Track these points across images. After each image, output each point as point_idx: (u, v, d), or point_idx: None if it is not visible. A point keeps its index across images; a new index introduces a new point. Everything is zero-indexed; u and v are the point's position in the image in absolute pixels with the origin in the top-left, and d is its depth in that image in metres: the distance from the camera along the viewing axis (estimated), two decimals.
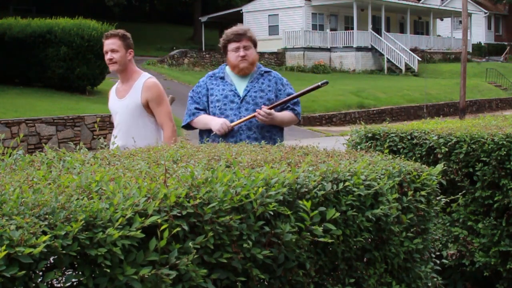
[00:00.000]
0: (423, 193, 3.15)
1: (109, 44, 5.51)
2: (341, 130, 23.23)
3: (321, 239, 2.56)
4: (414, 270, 3.18)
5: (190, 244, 2.16)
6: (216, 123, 5.15)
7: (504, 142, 4.87)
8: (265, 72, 5.44)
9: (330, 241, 2.59)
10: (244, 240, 2.32)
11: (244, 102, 5.25)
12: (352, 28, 45.95)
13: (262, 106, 5.18)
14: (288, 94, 5.39)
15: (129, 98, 5.48)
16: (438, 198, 3.38)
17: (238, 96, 5.27)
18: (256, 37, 5.47)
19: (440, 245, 4.98)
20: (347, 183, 2.72)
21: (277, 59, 44.03)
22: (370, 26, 46.28)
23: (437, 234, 3.45)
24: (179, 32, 58.38)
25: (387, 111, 29.69)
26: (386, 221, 2.90)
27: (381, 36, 46.01)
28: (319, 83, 5.35)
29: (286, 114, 5.39)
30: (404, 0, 50.26)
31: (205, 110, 5.31)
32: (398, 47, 45.05)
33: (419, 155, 5.11)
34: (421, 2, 60.05)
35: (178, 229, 2.13)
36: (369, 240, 2.89)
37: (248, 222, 2.34)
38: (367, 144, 5.12)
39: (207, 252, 2.23)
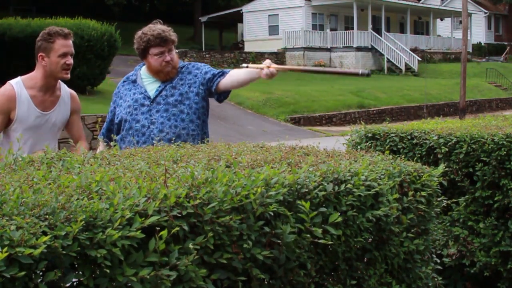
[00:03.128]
0: (423, 193, 3.15)
1: (69, 45, 4.71)
2: (341, 130, 23.24)
3: (321, 241, 2.55)
4: (415, 271, 3.18)
5: (190, 244, 2.15)
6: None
7: (504, 142, 4.87)
8: (181, 68, 5.01)
9: (330, 243, 2.59)
10: (244, 240, 2.32)
11: (154, 103, 4.88)
12: (352, 28, 45.98)
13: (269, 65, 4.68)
14: (206, 73, 4.98)
15: (57, 110, 4.80)
16: (439, 199, 3.38)
17: (149, 98, 4.90)
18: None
19: (441, 245, 4.98)
20: (347, 184, 2.72)
21: (277, 59, 44.02)
22: (370, 26, 46.30)
23: (438, 234, 3.44)
24: (179, 32, 57.84)
25: (387, 111, 29.72)
26: (386, 221, 2.89)
27: (381, 36, 46.04)
28: (360, 72, 4.68)
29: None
30: (404, 0, 50.29)
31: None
32: (398, 47, 45.08)
33: (419, 155, 5.11)
34: (421, 2, 60.08)
35: (178, 229, 2.13)
36: (370, 240, 2.89)
37: (248, 222, 2.34)
38: (367, 144, 5.12)
39: (207, 252, 2.22)
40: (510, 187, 4.89)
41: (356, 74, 4.71)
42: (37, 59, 4.63)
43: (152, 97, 4.87)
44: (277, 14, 47.70)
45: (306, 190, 2.58)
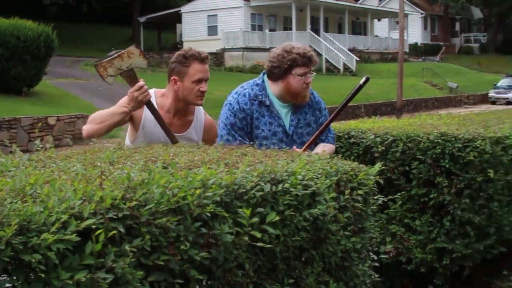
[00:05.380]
0: (360, 192, 3.19)
1: (206, 71, 4.26)
2: None
3: (259, 244, 2.56)
4: (352, 268, 3.21)
5: (127, 246, 2.14)
6: None
7: (439, 141, 4.96)
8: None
9: (267, 246, 2.60)
10: (182, 242, 2.31)
11: (291, 139, 4.39)
12: (291, 29, 46.25)
13: (294, 147, 4.25)
14: (323, 123, 4.54)
15: (185, 137, 4.29)
16: (375, 197, 3.42)
17: (287, 133, 4.39)
18: None
19: (377, 243, 5.04)
20: (284, 183, 2.73)
21: (216, 59, 44.03)
22: (308, 26, 46.67)
23: (374, 232, 3.48)
24: (118, 33, 57.83)
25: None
26: (323, 220, 2.92)
27: (319, 36, 46.44)
28: (361, 82, 4.53)
29: (324, 148, 4.42)
30: (342, 1, 50.81)
31: None
32: (337, 47, 45.53)
33: (356, 154, 5.17)
34: (359, 2, 60.82)
35: (115, 232, 2.11)
36: (307, 239, 2.91)
37: (185, 223, 2.33)
38: None
39: (143, 254, 2.21)
40: (445, 185, 4.97)
41: (361, 87, 4.56)
42: (169, 80, 4.27)
43: (289, 133, 4.40)
44: (216, 15, 47.72)
45: (244, 190, 2.58)
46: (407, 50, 51.99)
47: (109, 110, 4.10)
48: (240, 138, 4.27)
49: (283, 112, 4.41)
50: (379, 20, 58.92)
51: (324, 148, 4.42)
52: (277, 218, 2.62)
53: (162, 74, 38.06)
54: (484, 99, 43.33)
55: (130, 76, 4.05)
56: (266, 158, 3.15)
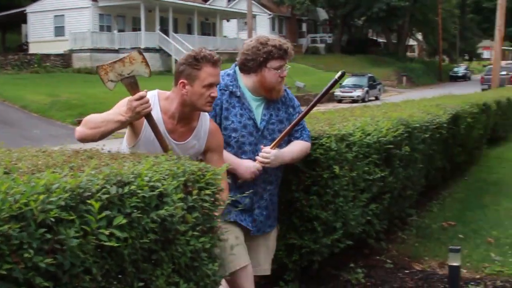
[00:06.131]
0: (208, 192, 3.21)
1: (217, 74, 3.87)
2: None
3: (107, 243, 2.53)
4: (202, 268, 3.22)
5: None
6: (244, 168, 4.18)
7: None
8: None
9: (116, 245, 2.57)
10: (25, 249, 2.24)
11: (261, 135, 4.29)
12: (140, 29, 45.91)
13: (261, 146, 4.23)
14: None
15: (187, 145, 3.96)
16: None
17: (257, 127, 4.27)
18: None
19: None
20: (131, 186, 2.71)
21: (64, 61, 43.09)
22: (158, 27, 46.52)
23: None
24: None
25: None
26: (171, 221, 2.91)
27: (169, 37, 46.38)
28: (336, 77, 4.35)
29: (296, 146, 4.45)
30: (191, 2, 50.92)
31: None
32: (186, 48, 45.49)
33: None
34: (208, 3, 61.19)
35: None
36: (156, 241, 2.90)
37: (29, 230, 2.27)
38: None
39: None
40: (294, 182, 5.07)
41: (336, 82, 4.44)
42: (176, 83, 3.87)
43: (260, 127, 4.26)
44: (63, 15, 46.69)
45: (89, 193, 2.54)
46: None
47: (105, 115, 3.75)
48: None
49: (255, 105, 4.24)
50: (228, 21, 59.55)
51: (297, 145, 4.41)
52: (124, 220, 2.59)
53: (5, 77, 36.81)
54: (331, 97, 44.63)
55: (131, 84, 3.71)
56: (113, 160, 3.12)
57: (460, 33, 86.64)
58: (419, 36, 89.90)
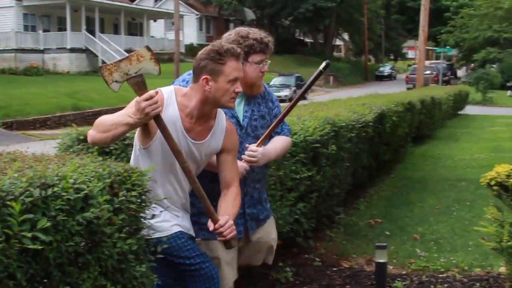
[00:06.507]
0: (134, 193, 3.18)
1: (241, 68, 3.68)
2: (56, 133, 22.75)
3: (31, 247, 2.49)
4: (129, 271, 3.19)
5: None
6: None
7: None
8: None
9: (40, 247, 2.53)
10: None
11: (245, 133, 4.12)
12: (66, 29, 45.26)
13: (246, 145, 4.05)
14: (277, 114, 4.27)
15: (205, 144, 3.74)
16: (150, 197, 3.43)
17: (240, 125, 4.11)
18: None
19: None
20: (55, 188, 2.67)
21: None
22: (84, 27, 45.92)
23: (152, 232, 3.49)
24: None
25: (102, 112, 29.46)
26: (97, 223, 2.88)
27: (95, 37, 45.83)
28: (321, 68, 4.24)
29: (279, 142, 4.28)
30: (117, 1, 50.44)
31: None
32: (113, 48, 45.14)
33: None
34: (135, 3, 60.69)
35: None
36: (82, 244, 2.86)
37: None
38: (79, 146, 5.04)
39: None
40: None
41: (321, 73, 4.29)
42: (197, 79, 3.63)
43: (243, 125, 4.09)
44: None
45: (12, 197, 2.49)
46: (183, 50, 52.70)
47: (115, 117, 3.49)
48: None
49: (236, 102, 3.93)
50: (155, 21, 59.22)
51: (280, 141, 4.25)
52: (49, 223, 2.55)
53: None
54: None
55: (138, 84, 3.44)
56: (37, 162, 3.07)
57: (386, 33, 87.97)
58: (346, 36, 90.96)
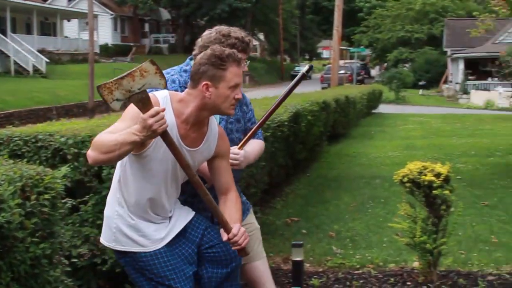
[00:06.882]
0: (47, 196, 3.13)
1: (241, 74, 3.56)
2: None
3: None
4: (43, 275, 3.15)
5: None
6: None
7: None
8: None
9: None
10: None
11: None
12: None
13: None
14: (249, 120, 4.20)
15: (199, 151, 3.60)
16: (63, 200, 3.38)
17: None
18: None
19: (70, 246, 4.97)
20: None
21: None
22: None
23: (66, 236, 3.44)
24: None
25: (15, 114, 29.00)
26: (9, 228, 2.83)
27: (6, 37, 44.79)
28: (304, 71, 4.19)
29: (256, 146, 4.21)
30: (30, 1, 49.45)
31: None
32: (25, 49, 44.21)
33: (44, 158, 5.05)
34: (47, 3, 59.59)
35: None
36: None
37: None
38: None
39: None
40: None
41: (304, 75, 4.23)
42: (196, 85, 3.46)
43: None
44: None
45: None
46: (97, 51, 52.01)
47: (117, 136, 3.21)
48: None
49: None
50: (68, 21, 58.24)
51: (256, 145, 4.19)
52: None
53: None
54: None
55: (142, 100, 3.21)
56: None
57: (301, 33, 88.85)
58: (261, 36, 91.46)
